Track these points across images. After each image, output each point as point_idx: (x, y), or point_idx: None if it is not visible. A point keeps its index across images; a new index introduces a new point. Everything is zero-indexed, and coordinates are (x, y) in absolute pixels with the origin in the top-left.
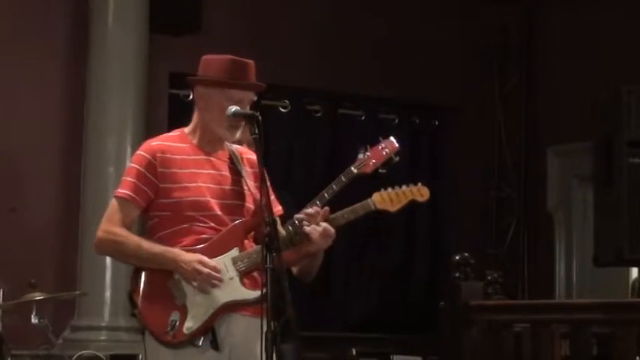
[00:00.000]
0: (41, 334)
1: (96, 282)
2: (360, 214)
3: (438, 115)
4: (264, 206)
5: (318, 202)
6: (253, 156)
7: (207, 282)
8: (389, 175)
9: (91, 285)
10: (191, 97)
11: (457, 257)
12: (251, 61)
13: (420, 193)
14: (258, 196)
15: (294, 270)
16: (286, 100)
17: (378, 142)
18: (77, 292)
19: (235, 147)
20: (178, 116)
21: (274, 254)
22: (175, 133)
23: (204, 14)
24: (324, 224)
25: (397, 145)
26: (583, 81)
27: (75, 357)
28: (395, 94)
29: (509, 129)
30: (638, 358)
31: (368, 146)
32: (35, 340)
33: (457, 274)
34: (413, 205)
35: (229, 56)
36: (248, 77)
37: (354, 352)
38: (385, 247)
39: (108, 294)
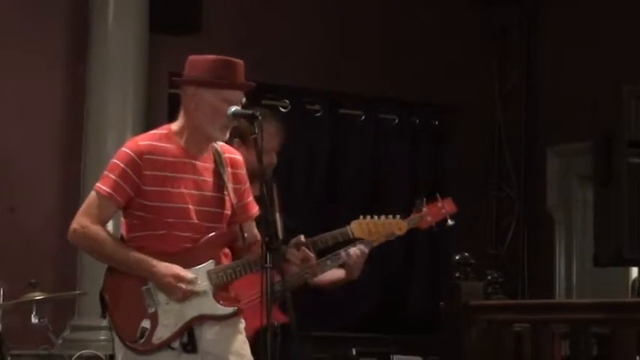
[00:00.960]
0: (41, 334)
1: (96, 282)
2: (339, 240)
3: (438, 115)
4: (264, 207)
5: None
6: (236, 155)
7: (180, 296)
8: (389, 175)
9: (91, 285)
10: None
11: (457, 257)
12: (240, 61)
13: (399, 226)
14: (235, 200)
15: (328, 281)
16: (286, 100)
17: (436, 200)
18: (77, 292)
19: (220, 145)
20: (178, 116)
21: (274, 254)
22: (162, 131)
23: (204, 14)
24: (305, 251)
25: (455, 208)
26: (583, 81)
27: (75, 357)
28: (395, 94)
29: (509, 129)
30: (638, 358)
31: (424, 199)
32: (35, 339)
33: (457, 274)
34: (413, 205)
35: (217, 56)
36: (238, 77)
37: (354, 352)
38: (385, 246)
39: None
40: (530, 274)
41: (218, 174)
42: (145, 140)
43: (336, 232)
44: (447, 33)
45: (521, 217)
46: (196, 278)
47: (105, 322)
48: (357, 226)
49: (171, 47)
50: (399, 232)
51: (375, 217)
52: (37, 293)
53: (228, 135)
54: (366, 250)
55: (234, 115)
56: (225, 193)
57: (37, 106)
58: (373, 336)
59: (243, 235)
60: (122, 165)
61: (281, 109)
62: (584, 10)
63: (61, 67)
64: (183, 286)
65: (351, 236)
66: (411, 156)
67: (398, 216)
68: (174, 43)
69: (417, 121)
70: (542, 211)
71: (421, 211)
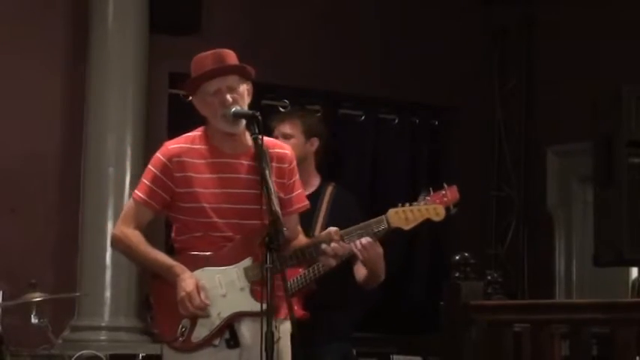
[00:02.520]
0: (41, 334)
1: (96, 282)
2: (374, 230)
3: (438, 115)
4: (264, 207)
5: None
6: (283, 150)
7: (185, 313)
8: (389, 175)
9: (91, 285)
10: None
11: (457, 257)
12: (227, 50)
13: (436, 212)
14: (279, 194)
15: (360, 279)
16: (286, 100)
17: (441, 188)
18: (77, 294)
19: (266, 140)
20: (178, 116)
21: (275, 254)
22: (196, 133)
23: (204, 14)
24: (334, 245)
25: (458, 195)
26: (583, 81)
27: (75, 357)
28: (395, 94)
29: (509, 129)
30: (638, 358)
31: (431, 189)
32: (35, 340)
33: (457, 274)
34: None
35: (200, 54)
36: (217, 65)
37: (353, 352)
38: (385, 247)
39: (108, 294)
40: (530, 274)
41: (257, 170)
42: (175, 144)
43: (372, 221)
44: (447, 33)
45: (521, 217)
46: (209, 306)
47: (104, 323)
48: (393, 215)
49: (171, 47)
50: (436, 218)
51: (414, 203)
52: (36, 294)
53: (241, 125)
54: (370, 240)
55: (235, 115)
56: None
57: (37, 106)
58: (373, 336)
59: (284, 229)
60: (154, 170)
61: (280, 109)
62: (584, 10)
63: (61, 68)
64: (189, 306)
65: (386, 225)
66: (411, 156)
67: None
68: (174, 43)
69: (417, 121)
70: (542, 211)
71: (423, 201)
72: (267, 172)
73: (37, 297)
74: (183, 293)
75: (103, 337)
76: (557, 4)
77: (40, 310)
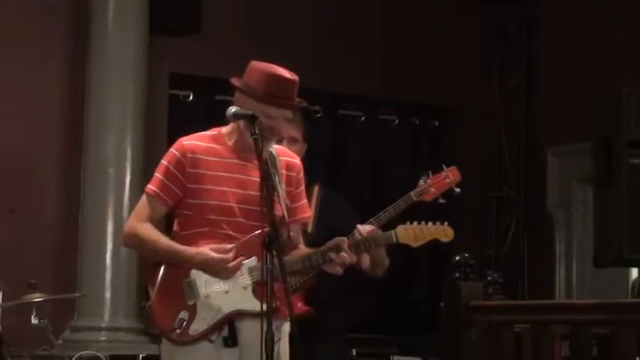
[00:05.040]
0: (41, 335)
1: (96, 282)
2: (382, 244)
3: (438, 115)
4: (264, 207)
5: (374, 222)
6: (293, 159)
7: (222, 268)
8: (389, 176)
9: (91, 285)
10: (191, 97)
11: (457, 258)
12: (295, 78)
13: (445, 233)
14: (287, 202)
15: (365, 267)
16: None
17: (441, 170)
18: (77, 295)
19: (276, 148)
20: (178, 116)
21: (276, 255)
22: (212, 132)
23: (204, 14)
24: (343, 255)
25: (460, 176)
26: (583, 81)
27: (75, 357)
28: (395, 94)
29: (509, 129)
30: (638, 359)
31: (430, 172)
32: (35, 340)
33: (457, 275)
34: (412, 205)
35: (274, 71)
36: (287, 95)
37: (354, 353)
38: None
39: (108, 294)
40: (530, 274)
41: (268, 175)
42: (190, 140)
43: (380, 235)
44: (447, 33)
45: (521, 218)
46: (231, 249)
47: (104, 323)
48: (402, 232)
49: (171, 48)
50: (444, 239)
51: (423, 222)
52: (36, 294)
53: (272, 144)
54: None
55: (234, 115)
56: (275, 194)
57: (38, 106)
58: (373, 337)
59: (289, 234)
60: (167, 164)
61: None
62: (584, 10)
63: (61, 68)
64: (224, 266)
65: (395, 241)
66: (411, 156)
67: (446, 223)
68: (174, 43)
69: (417, 121)
70: (542, 212)
71: (425, 183)
72: (276, 177)
73: (37, 297)
74: (212, 256)
75: (102, 338)
76: (557, 4)
77: (40, 311)
